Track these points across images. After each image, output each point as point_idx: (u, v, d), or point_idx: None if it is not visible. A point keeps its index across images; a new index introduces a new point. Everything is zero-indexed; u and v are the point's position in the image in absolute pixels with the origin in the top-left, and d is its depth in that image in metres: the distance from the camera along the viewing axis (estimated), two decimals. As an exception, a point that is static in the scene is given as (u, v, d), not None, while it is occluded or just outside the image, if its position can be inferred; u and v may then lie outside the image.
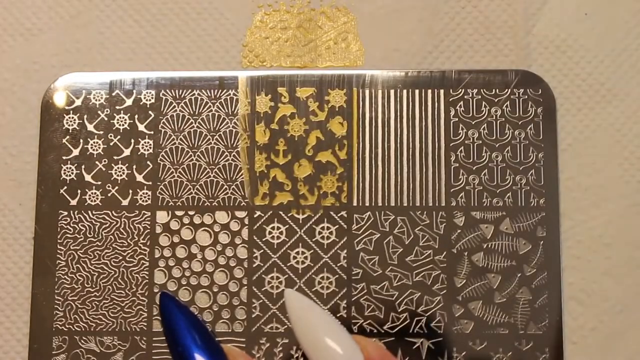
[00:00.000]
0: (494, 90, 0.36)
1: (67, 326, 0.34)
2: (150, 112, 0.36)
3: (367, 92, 0.36)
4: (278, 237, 0.35)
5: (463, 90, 0.36)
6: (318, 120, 0.36)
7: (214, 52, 0.37)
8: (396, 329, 0.34)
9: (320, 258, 0.35)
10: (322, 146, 0.36)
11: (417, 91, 0.36)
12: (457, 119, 0.36)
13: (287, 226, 0.35)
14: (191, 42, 0.37)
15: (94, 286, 0.35)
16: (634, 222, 0.35)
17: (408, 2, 0.37)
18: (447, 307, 0.34)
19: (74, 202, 0.35)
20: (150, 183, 0.35)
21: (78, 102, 0.36)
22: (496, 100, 0.36)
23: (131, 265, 0.35)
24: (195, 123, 0.36)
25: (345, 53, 0.37)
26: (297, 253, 0.35)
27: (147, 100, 0.36)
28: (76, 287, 0.35)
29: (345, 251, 0.35)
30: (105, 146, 0.36)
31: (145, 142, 0.36)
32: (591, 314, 0.35)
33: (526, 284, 0.35)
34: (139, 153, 0.36)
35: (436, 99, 0.36)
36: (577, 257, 0.35)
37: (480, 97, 0.36)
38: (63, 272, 0.35)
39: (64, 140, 0.36)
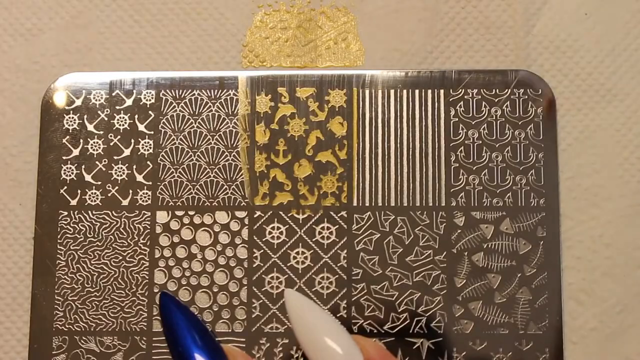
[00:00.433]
0: (494, 90, 0.36)
1: (67, 326, 0.34)
2: (150, 112, 0.36)
3: (367, 92, 0.36)
4: (278, 237, 0.35)
5: (463, 90, 0.36)
6: (318, 120, 0.36)
7: (214, 52, 0.37)
8: (396, 329, 0.34)
9: (321, 258, 0.35)
10: (322, 146, 0.36)
11: (417, 91, 0.36)
12: (457, 119, 0.36)
13: (287, 226, 0.35)
14: (191, 42, 0.37)
15: (94, 286, 0.35)
16: (634, 222, 0.35)
17: (408, 2, 0.37)
18: (447, 307, 0.34)
19: (74, 202, 0.35)
20: (150, 183, 0.35)
21: (78, 102, 0.36)
22: (496, 100, 0.36)
23: (131, 265, 0.35)
24: (195, 123, 0.36)
25: (345, 53, 0.37)
26: (297, 253, 0.35)
27: (147, 100, 0.36)
28: (76, 287, 0.35)
29: (345, 251, 0.35)
30: (105, 146, 0.36)
31: (145, 142, 0.36)
32: (591, 314, 0.35)
33: (526, 284, 0.35)
34: (139, 153, 0.36)
35: (436, 99, 0.36)
36: (577, 257, 0.35)
37: (480, 97, 0.36)
38: (63, 272, 0.35)
39: (64, 140, 0.36)
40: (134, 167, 0.36)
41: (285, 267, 0.35)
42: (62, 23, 0.38)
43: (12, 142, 0.36)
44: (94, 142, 0.36)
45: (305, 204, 0.35)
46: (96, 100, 0.36)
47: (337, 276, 0.35)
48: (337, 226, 0.35)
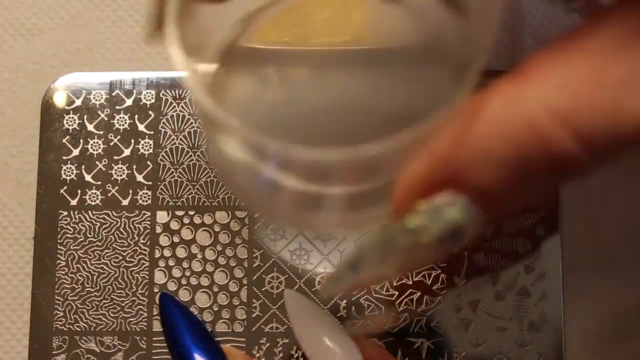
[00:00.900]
0: (494, 90, 0.36)
1: (67, 326, 0.34)
2: (150, 112, 0.36)
3: (367, 92, 0.36)
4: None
5: (463, 90, 0.36)
6: (318, 120, 0.36)
7: (214, 52, 0.37)
8: (396, 329, 0.34)
9: (321, 258, 0.35)
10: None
11: (417, 91, 0.36)
12: (457, 119, 0.36)
13: (287, 226, 0.35)
14: (191, 42, 0.37)
15: (94, 286, 0.35)
16: (634, 222, 0.35)
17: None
18: (447, 307, 0.34)
19: (74, 202, 0.35)
20: (150, 183, 0.35)
21: (78, 102, 0.36)
22: (496, 100, 0.36)
23: (131, 265, 0.35)
24: (195, 123, 0.36)
25: (345, 53, 0.37)
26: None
27: (147, 100, 0.36)
28: (76, 287, 0.35)
29: (345, 251, 0.35)
30: (105, 146, 0.36)
31: (145, 142, 0.36)
32: (591, 314, 0.35)
33: (526, 284, 0.34)
34: (139, 153, 0.36)
35: (436, 99, 0.36)
36: (577, 257, 0.35)
37: (480, 97, 0.36)
38: (63, 272, 0.35)
39: (64, 140, 0.36)
40: (134, 167, 0.36)
41: (285, 267, 0.35)
42: (62, 23, 0.38)
43: (12, 142, 0.36)
44: (94, 142, 0.36)
45: (305, 204, 0.35)
46: (96, 100, 0.36)
47: (337, 276, 0.35)
48: (337, 226, 0.35)
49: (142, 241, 0.35)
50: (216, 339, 0.34)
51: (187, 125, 0.36)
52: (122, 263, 0.35)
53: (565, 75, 0.19)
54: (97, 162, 0.36)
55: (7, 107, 0.37)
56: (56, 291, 0.35)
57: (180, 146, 0.36)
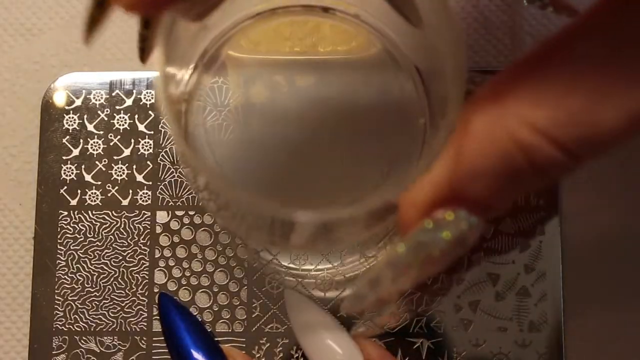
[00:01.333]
0: (494, 90, 0.36)
1: (67, 326, 0.34)
2: (150, 112, 0.36)
3: (367, 92, 0.36)
4: (278, 237, 0.35)
5: (463, 90, 0.36)
6: (318, 120, 0.36)
7: (214, 52, 0.37)
8: (396, 329, 0.34)
9: (321, 257, 0.35)
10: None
11: (417, 91, 0.36)
12: (457, 119, 0.36)
13: (287, 226, 0.35)
14: (191, 42, 0.37)
15: (94, 286, 0.35)
16: (634, 222, 0.35)
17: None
18: (447, 307, 0.34)
19: (74, 202, 0.35)
20: (150, 183, 0.35)
21: (78, 102, 0.36)
22: (496, 100, 0.36)
23: (131, 265, 0.35)
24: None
25: (345, 53, 0.37)
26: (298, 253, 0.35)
27: (147, 100, 0.36)
28: (76, 287, 0.35)
29: (345, 250, 0.35)
30: (105, 146, 0.36)
31: (145, 142, 0.36)
32: (591, 314, 0.35)
33: (526, 284, 0.34)
34: (139, 153, 0.36)
35: (436, 99, 0.36)
36: (577, 257, 0.35)
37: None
38: (63, 272, 0.35)
39: (64, 140, 0.36)
40: (134, 167, 0.36)
41: (285, 267, 0.35)
42: (62, 23, 0.38)
43: (12, 142, 0.36)
44: (94, 142, 0.36)
45: (305, 204, 0.35)
46: (96, 100, 0.36)
47: (337, 276, 0.35)
48: (337, 226, 0.35)
49: (142, 241, 0.35)
50: (216, 339, 0.34)
51: (187, 125, 0.36)
52: (122, 263, 0.35)
53: (541, 89, 0.21)
54: (97, 162, 0.36)
55: (7, 107, 0.37)
56: (56, 291, 0.35)
57: (180, 146, 0.36)
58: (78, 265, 0.35)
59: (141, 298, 0.35)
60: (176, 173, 0.35)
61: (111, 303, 0.35)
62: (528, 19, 0.37)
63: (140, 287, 0.35)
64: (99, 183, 0.35)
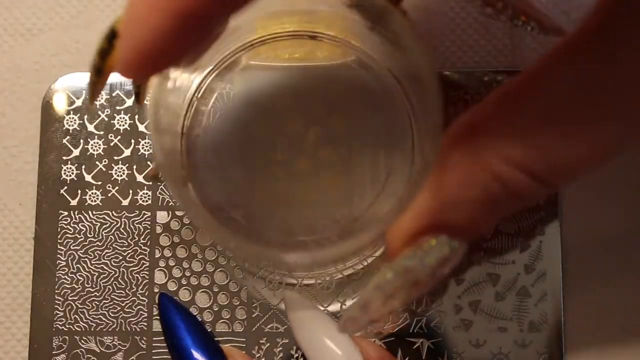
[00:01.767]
0: (494, 90, 0.36)
1: (67, 326, 0.34)
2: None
3: (367, 92, 0.36)
4: (278, 237, 0.35)
5: (463, 90, 0.36)
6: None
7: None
8: (396, 329, 0.34)
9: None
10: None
11: (417, 91, 0.36)
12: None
13: (287, 226, 0.35)
14: (191, 42, 0.37)
15: (94, 286, 0.35)
16: (635, 222, 0.35)
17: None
18: (447, 307, 0.34)
19: (74, 203, 0.35)
20: (150, 183, 0.35)
21: (78, 103, 0.36)
22: (496, 100, 0.36)
23: (131, 265, 0.35)
24: (195, 123, 0.36)
25: (345, 53, 0.37)
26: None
27: (147, 100, 0.36)
28: (76, 287, 0.35)
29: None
30: (105, 146, 0.36)
31: (145, 142, 0.36)
32: (591, 314, 0.35)
33: (526, 284, 0.34)
34: (139, 153, 0.36)
35: (436, 99, 0.36)
36: (577, 257, 0.35)
37: (480, 97, 0.36)
38: (63, 272, 0.35)
39: (64, 141, 0.36)
40: (134, 167, 0.36)
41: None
42: (62, 23, 0.38)
43: (12, 142, 0.36)
44: (94, 143, 0.36)
45: (305, 204, 0.35)
46: (96, 100, 0.36)
47: (337, 276, 0.35)
48: (337, 226, 0.35)
49: (142, 241, 0.35)
50: (216, 339, 0.34)
51: (187, 125, 0.36)
52: (122, 263, 0.35)
53: (515, 124, 0.23)
54: (97, 162, 0.36)
55: (7, 107, 0.37)
56: (56, 291, 0.35)
57: (180, 146, 0.36)
58: (78, 265, 0.35)
59: (141, 298, 0.35)
60: (176, 173, 0.35)
61: (111, 303, 0.35)
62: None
63: (140, 287, 0.35)
64: (99, 183, 0.35)
